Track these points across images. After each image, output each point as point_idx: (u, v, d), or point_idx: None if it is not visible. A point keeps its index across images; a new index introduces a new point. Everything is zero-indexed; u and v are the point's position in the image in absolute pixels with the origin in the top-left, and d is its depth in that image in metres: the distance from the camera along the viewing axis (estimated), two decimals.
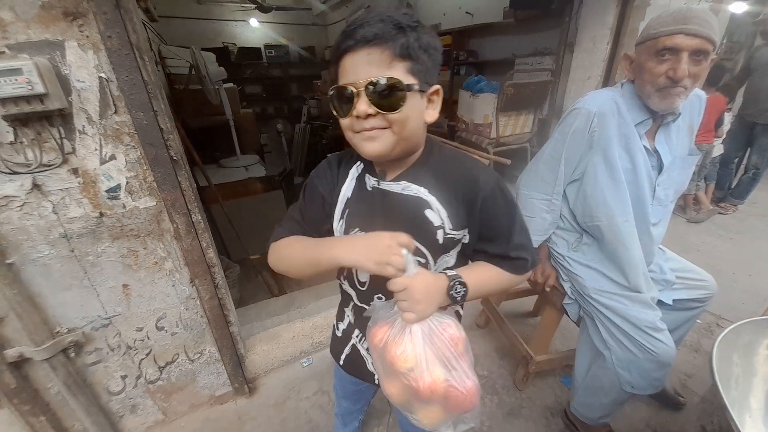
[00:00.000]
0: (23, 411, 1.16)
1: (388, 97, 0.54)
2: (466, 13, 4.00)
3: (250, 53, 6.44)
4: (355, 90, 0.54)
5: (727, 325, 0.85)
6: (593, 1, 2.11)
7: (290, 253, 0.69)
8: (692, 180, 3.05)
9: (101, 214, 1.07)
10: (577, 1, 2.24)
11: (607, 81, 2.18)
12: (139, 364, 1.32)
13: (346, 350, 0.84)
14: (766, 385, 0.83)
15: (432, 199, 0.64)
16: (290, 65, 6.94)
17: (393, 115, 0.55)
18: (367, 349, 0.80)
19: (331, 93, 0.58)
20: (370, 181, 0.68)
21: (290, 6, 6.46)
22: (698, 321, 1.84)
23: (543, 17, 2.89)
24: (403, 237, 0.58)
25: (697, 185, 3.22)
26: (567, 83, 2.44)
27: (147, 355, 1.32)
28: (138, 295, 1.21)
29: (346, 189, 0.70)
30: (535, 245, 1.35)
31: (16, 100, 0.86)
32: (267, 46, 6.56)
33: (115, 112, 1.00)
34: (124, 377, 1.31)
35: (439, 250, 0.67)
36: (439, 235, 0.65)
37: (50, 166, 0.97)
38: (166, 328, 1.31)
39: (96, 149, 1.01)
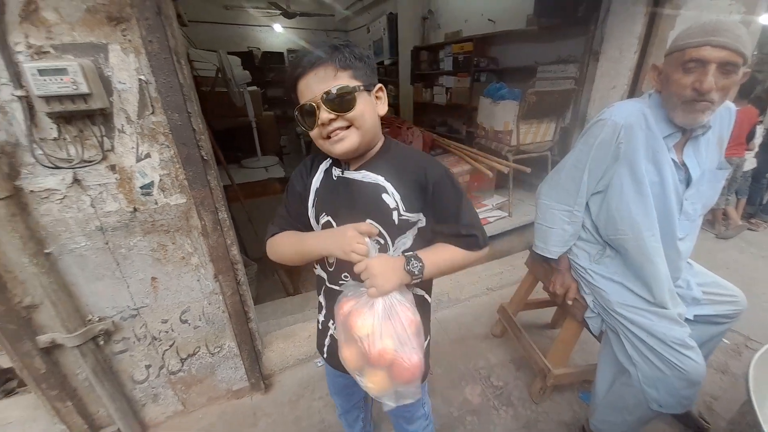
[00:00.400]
0: (50, 396, 1.20)
1: (341, 101, 0.65)
2: (489, 20, 3.99)
3: (273, 57, 6.60)
4: (315, 104, 0.65)
5: (756, 345, 0.82)
6: (621, 9, 2.07)
7: (282, 249, 0.82)
8: (722, 194, 2.94)
9: (135, 209, 1.12)
10: (604, 9, 2.21)
11: (633, 91, 2.14)
12: (163, 355, 1.36)
13: (326, 342, 0.91)
14: None
15: (387, 185, 0.74)
16: None
17: (350, 114, 0.66)
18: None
19: (296, 113, 0.69)
20: (336, 172, 0.79)
21: (314, 12, 6.59)
22: (725, 341, 1.77)
23: (567, 25, 2.86)
24: (364, 226, 0.69)
25: (727, 200, 3.09)
26: (591, 92, 2.40)
27: (170, 346, 1.36)
28: (165, 288, 1.26)
29: (316, 181, 0.81)
30: (555, 256, 1.33)
31: (61, 98, 0.91)
32: (290, 51, 6.71)
33: (152, 113, 1.05)
34: (148, 367, 1.35)
35: (395, 230, 0.76)
36: (395, 216, 0.74)
37: (90, 162, 1.02)
38: (189, 321, 1.35)
39: (133, 147, 1.06)
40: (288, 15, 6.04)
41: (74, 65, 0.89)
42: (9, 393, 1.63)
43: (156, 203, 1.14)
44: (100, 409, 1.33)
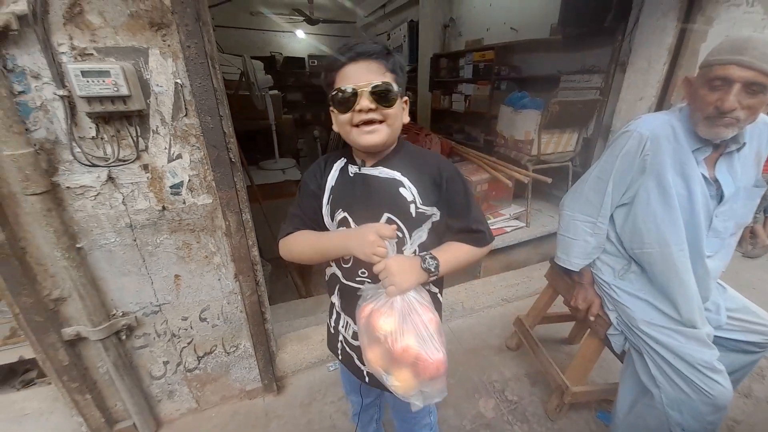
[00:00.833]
0: (71, 388, 1.23)
1: (384, 96, 0.69)
2: (511, 28, 3.97)
3: (295, 62, 6.73)
4: (358, 90, 0.68)
5: None
6: (651, 20, 2.04)
7: (299, 248, 0.83)
8: None
9: (163, 208, 1.15)
10: (633, 20, 2.17)
11: (661, 103, 2.09)
12: (181, 352, 1.38)
13: (339, 345, 0.93)
14: None
15: (404, 180, 0.77)
16: None
17: (388, 110, 0.70)
18: (356, 347, 0.86)
19: (333, 93, 0.71)
20: (352, 169, 0.81)
21: (336, 18, 6.70)
22: None
23: (593, 35, 2.82)
24: (384, 228, 0.69)
25: (755, 218, 2.97)
26: (617, 103, 2.36)
27: (188, 344, 1.38)
28: (187, 285, 1.28)
29: (331, 179, 0.83)
30: (577, 269, 1.30)
31: (101, 99, 0.94)
32: (311, 56, 6.83)
33: (186, 115, 1.07)
34: (166, 363, 1.38)
35: (412, 223, 0.78)
36: (412, 209, 0.76)
37: (125, 161, 1.06)
38: (208, 320, 1.37)
39: (165, 148, 1.09)
40: (311, 21, 6.16)
41: (116, 68, 0.92)
42: (27, 384, 1.66)
43: (184, 203, 1.17)
44: (117, 403, 1.36)
